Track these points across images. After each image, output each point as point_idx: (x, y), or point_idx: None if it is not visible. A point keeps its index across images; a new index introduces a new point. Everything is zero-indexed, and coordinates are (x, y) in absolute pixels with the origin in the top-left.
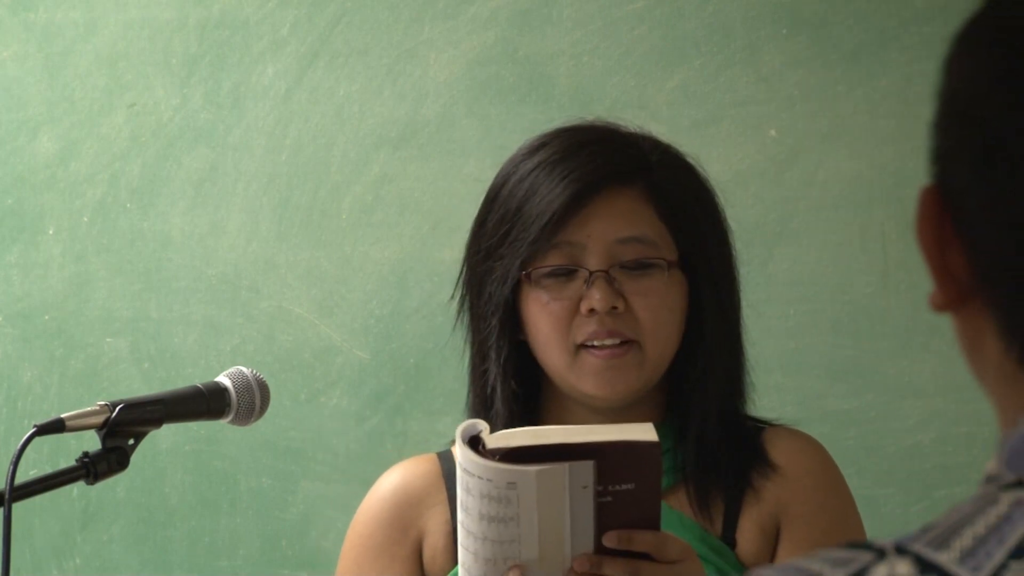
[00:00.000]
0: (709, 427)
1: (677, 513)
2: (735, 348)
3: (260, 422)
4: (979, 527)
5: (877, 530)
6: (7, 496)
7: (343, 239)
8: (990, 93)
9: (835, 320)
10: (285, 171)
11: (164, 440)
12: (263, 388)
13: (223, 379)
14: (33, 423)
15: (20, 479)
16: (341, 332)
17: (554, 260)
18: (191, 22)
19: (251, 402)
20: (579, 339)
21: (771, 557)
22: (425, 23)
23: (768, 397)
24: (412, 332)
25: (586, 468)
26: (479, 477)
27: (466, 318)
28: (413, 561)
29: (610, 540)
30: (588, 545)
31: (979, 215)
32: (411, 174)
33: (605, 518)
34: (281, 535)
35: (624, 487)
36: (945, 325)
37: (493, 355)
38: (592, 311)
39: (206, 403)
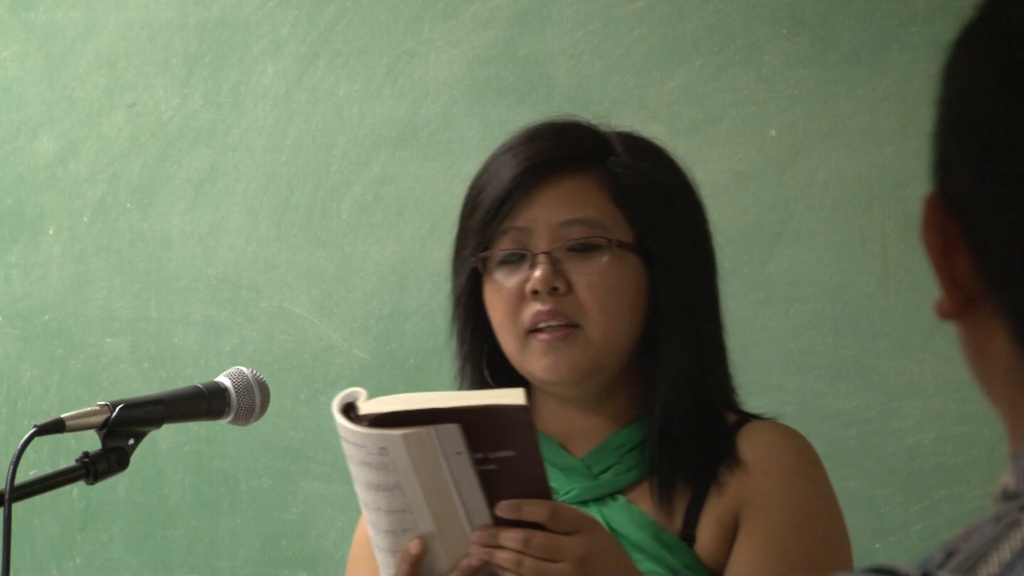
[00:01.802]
0: (673, 421)
1: (634, 508)
2: (704, 339)
3: (260, 422)
4: (1005, 552)
5: (877, 530)
6: (7, 496)
7: (343, 239)
8: (988, 94)
9: (835, 320)
10: (285, 171)
11: (164, 440)
12: (263, 388)
13: (223, 379)
14: (33, 423)
15: (20, 479)
16: (341, 332)
17: (504, 246)
18: (191, 22)
19: (251, 402)
20: (526, 323)
21: (730, 552)
22: (425, 23)
23: (768, 397)
24: (412, 332)
25: (453, 432)
26: (353, 443)
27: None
28: None
29: (501, 510)
30: (485, 516)
31: (984, 218)
32: (411, 174)
33: (494, 488)
34: (281, 535)
35: (504, 454)
36: (945, 325)
37: (456, 346)
38: (535, 292)
39: (206, 403)
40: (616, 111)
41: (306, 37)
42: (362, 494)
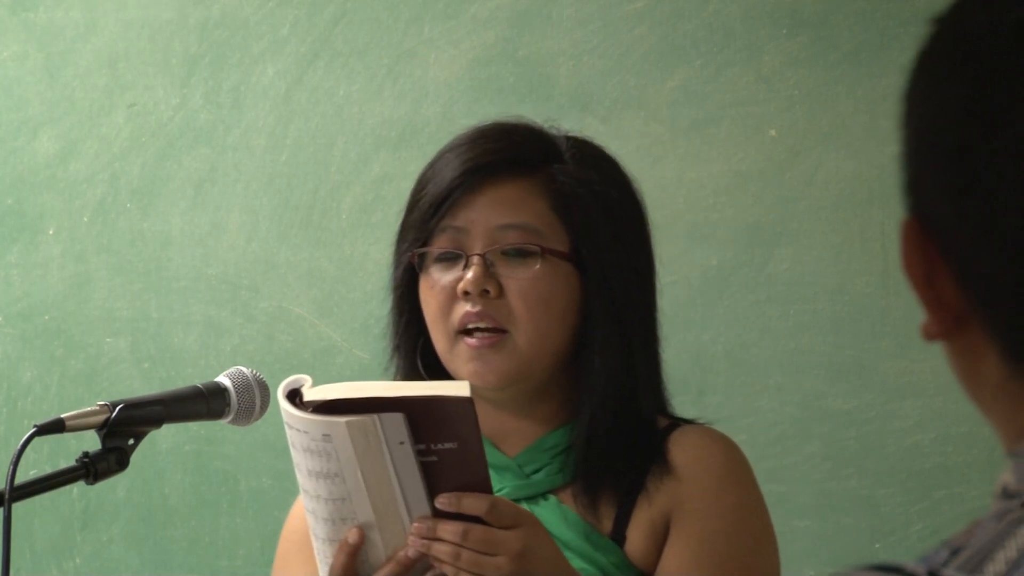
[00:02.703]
0: (600, 427)
1: (565, 509)
2: (635, 349)
3: (260, 422)
4: (1011, 550)
5: (877, 530)
6: (7, 496)
7: (343, 239)
8: (960, 120)
9: (835, 320)
10: (285, 171)
11: (164, 440)
12: (263, 388)
13: (223, 379)
14: (33, 423)
15: (20, 479)
16: (341, 332)
17: (441, 244)
18: (191, 22)
19: (251, 402)
20: (456, 323)
21: (660, 553)
22: (425, 23)
23: (768, 397)
24: None
25: (397, 421)
26: (297, 429)
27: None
28: None
29: (441, 503)
30: (424, 508)
31: (966, 241)
32: (411, 174)
33: (435, 479)
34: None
35: (446, 446)
36: None
37: (390, 337)
38: (466, 293)
39: (206, 403)
40: (616, 111)
41: (306, 37)
42: (303, 481)
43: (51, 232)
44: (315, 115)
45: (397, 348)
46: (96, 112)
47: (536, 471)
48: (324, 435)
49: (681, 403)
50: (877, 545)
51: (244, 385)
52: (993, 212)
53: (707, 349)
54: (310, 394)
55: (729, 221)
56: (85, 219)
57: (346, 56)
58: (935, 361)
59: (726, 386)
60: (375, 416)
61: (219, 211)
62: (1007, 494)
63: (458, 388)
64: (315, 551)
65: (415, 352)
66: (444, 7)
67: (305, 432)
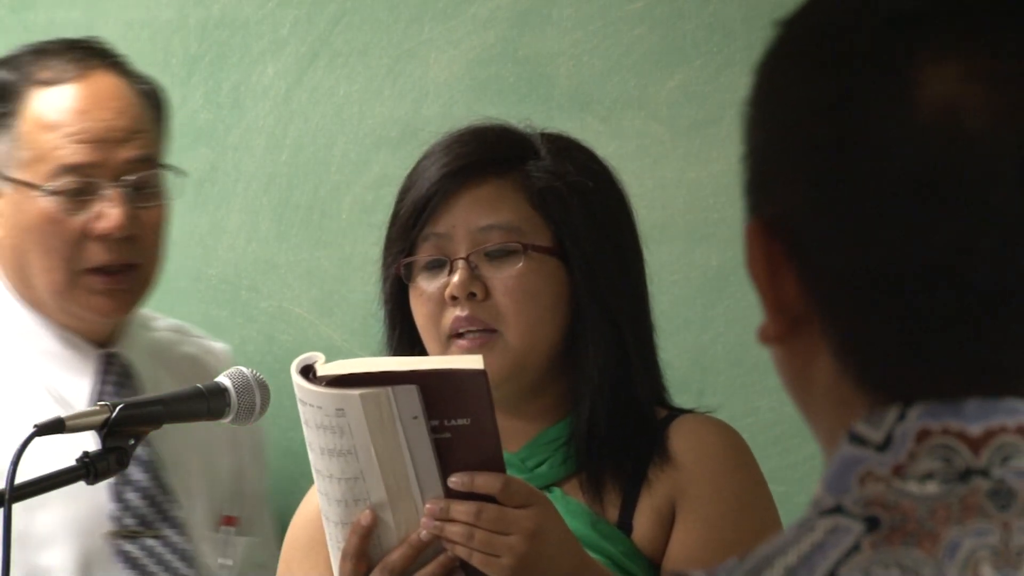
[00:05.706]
0: (599, 418)
1: (570, 500)
2: (627, 339)
3: (260, 422)
4: (791, 557)
5: None
6: (7, 496)
7: (343, 239)
8: (827, 119)
9: None
10: (285, 171)
11: None
12: (263, 388)
13: (223, 379)
14: (33, 423)
15: (20, 479)
16: (341, 332)
17: (426, 252)
18: (191, 22)
19: (251, 402)
20: (446, 328)
21: (667, 540)
22: (425, 23)
23: (768, 397)
24: None
25: (411, 394)
26: (310, 405)
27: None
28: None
29: (454, 482)
30: (436, 487)
31: (816, 238)
32: None
33: (447, 458)
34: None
35: (459, 422)
36: None
37: (386, 350)
38: (454, 298)
39: (206, 403)
40: (616, 111)
41: (306, 37)
42: (315, 461)
43: None
44: (315, 115)
45: None
46: None
47: (539, 465)
48: (338, 409)
49: (681, 403)
50: None
51: (244, 385)
52: (842, 208)
53: (707, 349)
54: (323, 369)
55: (729, 221)
56: None
57: (346, 56)
58: None
59: (726, 386)
60: (388, 389)
61: (219, 211)
62: (813, 503)
63: (471, 362)
64: (327, 535)
65: None
66: (444, 7)
67: (319, 407)
